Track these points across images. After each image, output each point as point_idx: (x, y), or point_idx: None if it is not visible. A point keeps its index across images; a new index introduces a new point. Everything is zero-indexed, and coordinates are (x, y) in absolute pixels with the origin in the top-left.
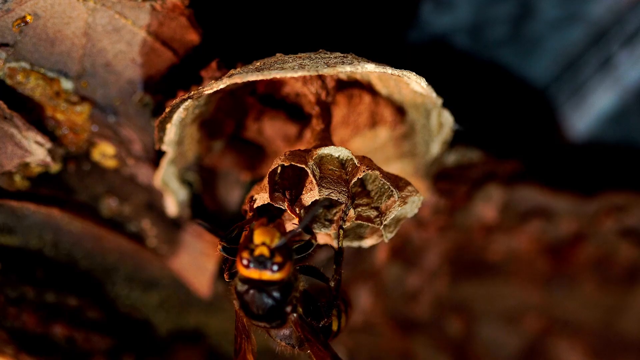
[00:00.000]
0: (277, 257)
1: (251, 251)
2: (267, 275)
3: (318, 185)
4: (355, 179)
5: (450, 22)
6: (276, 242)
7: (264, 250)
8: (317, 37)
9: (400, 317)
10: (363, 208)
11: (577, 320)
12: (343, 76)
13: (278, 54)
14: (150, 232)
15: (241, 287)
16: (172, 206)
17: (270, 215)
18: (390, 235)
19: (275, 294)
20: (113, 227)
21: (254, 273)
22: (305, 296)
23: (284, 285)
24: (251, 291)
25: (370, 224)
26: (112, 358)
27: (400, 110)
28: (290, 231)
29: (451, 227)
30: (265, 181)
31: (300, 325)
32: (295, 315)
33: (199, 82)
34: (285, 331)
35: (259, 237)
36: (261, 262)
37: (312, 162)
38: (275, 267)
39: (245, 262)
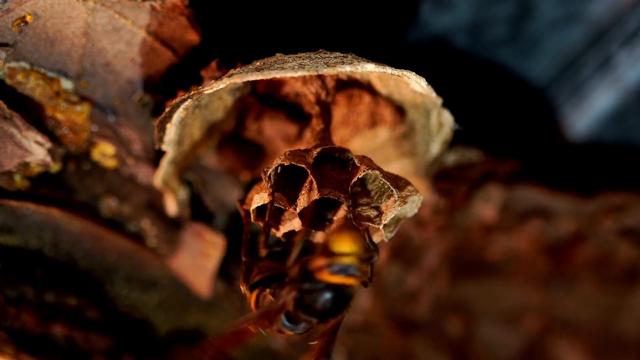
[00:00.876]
0: (364, 266)
1: (341, 259)
2: (350, 281)
3: (318, 185)
4: (355, 179)
5: (450, 22)
6: (363, 250)
7: (354, 261)
8: (317, 37)
9: (400, 317)
10: (363, 208)
11: (577, 320)
12: (343, 76)
13: (278, 54)
14: (150, 232)
15: (313, 285)
16: (172, 206)
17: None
18: (390, 235)
19: (348, 296)
20: (113, 227)
21: (337, 279)
22: None
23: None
24: (326, 292)
25: (370, 224)
26: (112, 358)
27: (400, 110)
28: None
29: (451, 227)
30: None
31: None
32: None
33: (199, 82)
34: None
35: (349, 244)
36: (349, 271)
37: (312, 162)
38: (359, 276)
39: (334, 268)
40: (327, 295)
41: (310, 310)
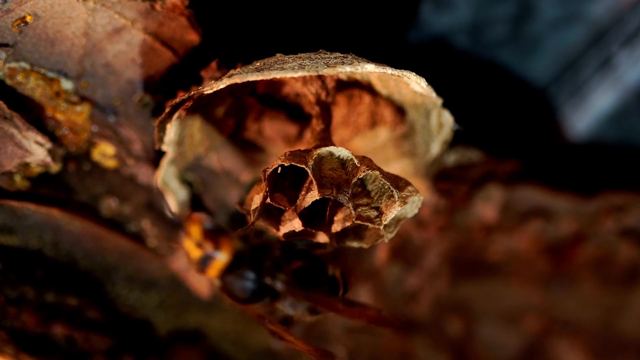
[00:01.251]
0: (207, 245)
1: (194, 261)
2: (219, 262)
3: (318, 185)
4: (355, 179)
5: (450, 22)
6: (197, 234)
7: (196, 253)
8: (317, 37)
9: (400, 317)
10: (363, 208)
11: (577, 320)
12: (343, 76)
13: (278, 54)
14: (150, 232)
15: (219, 283)
16: (172, 206)
17: (187, 216)
18: (390, 235)
19: (247, 273)
20: (113, 227)
21: (211, 271)
22: (308, 268)
23: (249, 260)
24: (226, 280)
25: (370, 224)
26: (112, 358)
27: (400, 111)
28: (203, 217)
29: (451, 227)
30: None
31: (294, 292)
32: (281, 285)
33: (199, 82)
34: (289, 302)
35: (187, 245)
36: (205, 260)
37: (312, 162)
38: (216, 253)
39: (198, 270)
40: (236, 282)
41: (239, 299)
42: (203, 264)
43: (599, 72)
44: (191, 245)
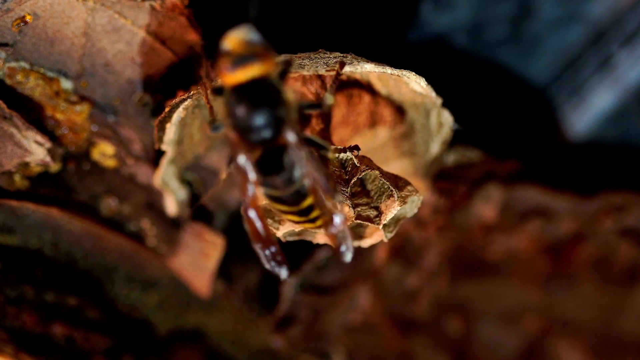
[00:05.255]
0: (257, 48)
1: (230, 54)
2: (253, 69)
3: None
4: (355, 179)
5: (450, 22)
6: (250, 36)
7: (241, 48)
8: (317, 37)
9: (400, 317)
10: (363, 208)
11: (577, 320)
12: (342, 76)
13: None
14: (149, 232)
15: (233, 100)
16: (171, 206)
17: None
18: (389, 235)
19: (263, 94)
20: (113, 227)
21: (240, 74)
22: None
23: (270, 85)
24: (242, 101)
25: (369, 224)
26: (112, 358)
27: (399, 110)
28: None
29: (451, 227)
30: None
31: (301, 144)
32: (292, 134)
33: (199, 82)
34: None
35: (232, 40)
36: (244, 59)
37: None
38: (256, 59)
39: (228, 67)
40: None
41: (248, 129)
42: (238, 61)
43: (599, 71)
44: (235, 39)
